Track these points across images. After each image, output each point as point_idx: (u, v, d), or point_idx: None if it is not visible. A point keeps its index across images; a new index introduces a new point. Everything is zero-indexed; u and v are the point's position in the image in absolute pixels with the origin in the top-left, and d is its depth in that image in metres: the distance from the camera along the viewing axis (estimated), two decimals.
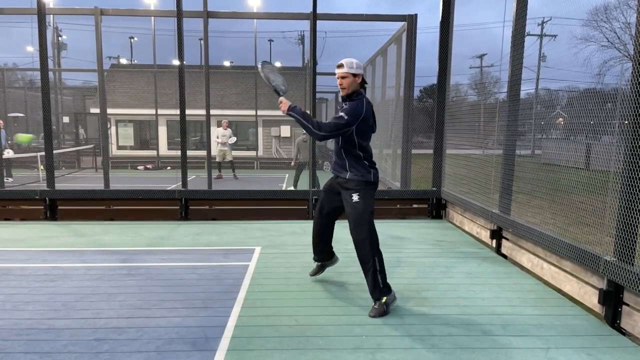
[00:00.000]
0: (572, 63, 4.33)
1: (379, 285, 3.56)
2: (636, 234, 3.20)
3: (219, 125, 15.64)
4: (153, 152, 19.07)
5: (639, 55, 3.13)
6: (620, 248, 3.31)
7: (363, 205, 3.61)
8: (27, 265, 4.75)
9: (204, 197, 7.21)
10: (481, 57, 8.20)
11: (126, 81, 21.58)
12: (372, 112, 3.67)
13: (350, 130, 3.55)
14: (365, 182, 3.65)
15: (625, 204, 3.26)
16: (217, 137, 14.31)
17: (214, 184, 8.43)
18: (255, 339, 3.14)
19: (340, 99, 3.75)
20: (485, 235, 5.70)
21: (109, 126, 14.88)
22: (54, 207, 6.99)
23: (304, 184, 11.18)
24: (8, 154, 12.31)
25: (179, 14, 7.01)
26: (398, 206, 7.38)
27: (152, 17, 16.86)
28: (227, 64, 23.74)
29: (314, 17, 7.15)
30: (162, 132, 20.13)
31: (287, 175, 16.11)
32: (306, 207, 7.18)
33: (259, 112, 19.58)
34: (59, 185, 7.49)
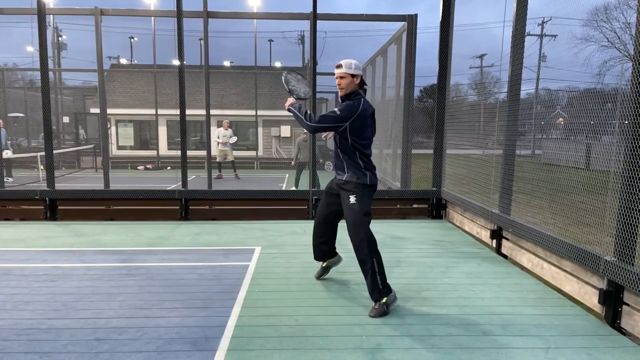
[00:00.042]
0: (572, 63, 4.34)
1: (378, 286, 3.56)
2: (636, 234, 3.20)
3: (219, 125, 15.65)
4: (153, 152, 19.07)
5: (639, 55, 3.13)
6: (621, 248, 3.31)
7: (359, 207, 3.62)
8: (27, 265, 4.75)
9: (204, 197, 7.21)
10: (481, 57, 8.21)
11: (126, 81, 21.59)
12: (370, 114, 3.67)
13: (343, 126, 3.57)
14: (362, 184, 3.66)
15: (625, 204, 3.26)
16: (218, 137, 14.31)
17: (214, 184, 8.43)
18: (255, 339, 3.14)
19: (339, 99, 3.77)
20: (485, 235, 5.70)
21: (109, 126, 14.89)
22: (54, 207, 6.99)
23: (305, 184, 11.18)
24: (6, 154, 12.31)
25: (179, 14, 7.01)
26: (398, 206, 7.38)
27: (152, 17, 16.86)
28: (227, 64, 23.75)
29: (314, 17, 7.15)
30: (162, 132, 20.13)
31: (287, 175, 16.12)
32: (306, 207, 7.18)
33: (259, 112, 19.58)
34: (59, 185, 7.49)
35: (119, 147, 20.58)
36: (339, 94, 3.67)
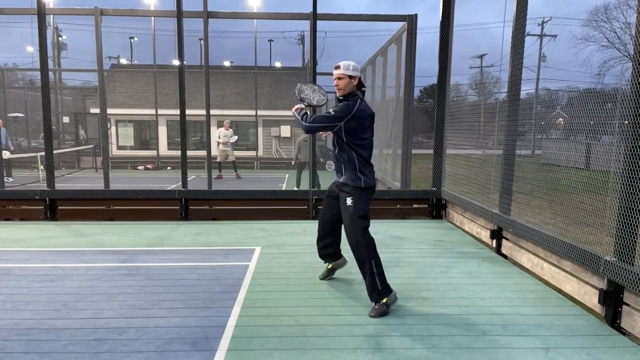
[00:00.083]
0: (572, 63, 4.33)
1: (377, 287, 3.57)
2: (636, 234, 3.20)
3: (219, 125, 15.65)
4: (153, 152, 19.08)
5: (639, 55, 3.13)
6: (621, 248, 3.31)
7: (353, 209, 3.64)
8: (27, 265, 4.75)
9: (204, 197, 7.22)
10: (481, 57, 8.21)
11: (126, 81, 21.59)
12: (368, 116, 3.67)
13: (337, 126, 3.59)
14: (358, 187, 3.67)
15: (625, 204, 3.26)
16: (219, 137, 14.30)
17: (214, 184, 8.43)
18: (255, 339, 3.14)
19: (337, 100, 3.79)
20: (485, 235, 5.70)
21: (109, 126, 14.89)
22: (54, 207, 6.99)
23: (305, 184, 11.19)
24: (5, 155, 12.29)
25: (179, 14, 7.01)
26: (398, 206, 7.38)
27: (152, 17, 16.87)
28: (227, 64, 23.75)
29: (314, 17, 7.15)
30: (162, 132, 20.13)
31: (287, 175, 16.12)
32: (306, 207, 7.18)
33: (259, 112, 19.59)
34: (59, 185, 7.49)
35: (119, 147, 20.59)
36: (337, 94, 3.69)
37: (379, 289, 3.56)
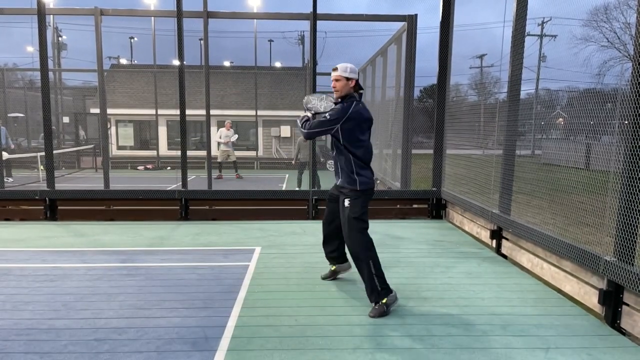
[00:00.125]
0: (572, 63, 4.34)
1: (376, 288, 3.57)
2: (636, 234, 3.20)
3: (220, 125, 15.64)
4: (153, 152, 19.07)
5: (639, 55, 3.13)
6: (620, 248, 3.31)
7: (349, 211, 3.67)
8: (27, 265, 4.75)
9: (204, 197, 7.22)
10: (481, 57, 8.22)
11: (126, 81, 21.59)
12: (365, 118, 3.68)
13: (335, 128, 3.61)
14: (355, 190, 3.69)
15: (625, 204, 3.26)
16: (220, 138, 14.28)
17: (214, 184, 8.43)
18: (255, 339, 3.15)
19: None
20: (485, 235, 5.70)
21: (109, 126, 14.88)
22: (54, 207, 6.99)
23: (306, 184, 11.19)
24: (4, 156, 12.28)
25: (179, 14, 7.01)
26: (398, 206, 7.38)
27: (152, 17, 16.85)
28: (227, 64, 23.74)
29: (314, 17, 7.15)
30: (162, 132, 20.13)
31: (287, 176, 16.12)
32: (306, 207, 7.18)
33: (259, 112, 19.59)
34: (59, 186, 7.49)
35: (119, 147, 20.58)
36: (334, 95, 3.74)
37: (378, 290, 3.57)
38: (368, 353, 2.96)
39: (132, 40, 26.06)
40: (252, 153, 19.62)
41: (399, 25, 8.74)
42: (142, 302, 3.77)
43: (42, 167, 12.32)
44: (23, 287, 4.08)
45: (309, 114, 3.86)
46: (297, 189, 11.00)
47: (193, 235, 6.05)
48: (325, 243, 4.24)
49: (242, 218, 7.10)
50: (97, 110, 17.23)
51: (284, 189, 12.67)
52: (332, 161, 3.92)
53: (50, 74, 14.47)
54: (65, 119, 20.67)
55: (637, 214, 3.17)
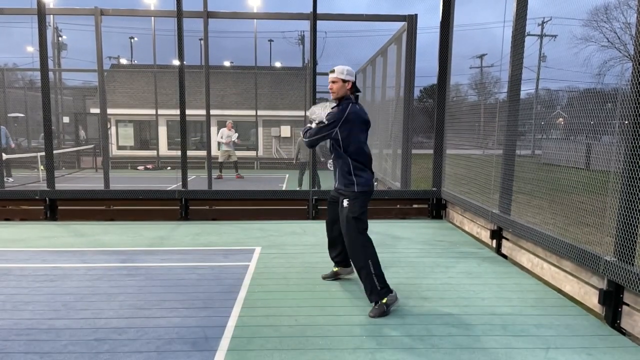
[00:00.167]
0: (572, 63, 4.34)
1: (376, 287, 3.57)
2: (636, 234, 3.20)
3: (220, 125, 15.63)
4: (153, 152, 19.06)
5: (639, 55, 3.13)
6: (621, 248, 3.31)
7: (347, 211, 3.69)
8: (27, 265, 4.75)
9: (204, 197, 7.22)
10: (481, 57, 8.21)
11: (126, 81, 21.60)
12: (362, 118, 3.72)
13: (334, 132, 3.65)
14: (353, 191, 3.71)
15: (626, 204, 3.26)
16: (222, 138, 14.27)
17: (214, 184, 8.43)
18: (255, 339, 3.14)
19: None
20: (485, 235, 5.70)
21: (109, 126, 14.88)
22: (54, 207, 6.99)
23: (306, 183, 11.19)
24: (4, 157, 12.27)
25: (179, 14, 7.01)
26: (398, 206, 7.38)
27: (152, 17, 16.85)
28: (227, 64, 23.74)
29: (314, 17, 7.15)
30: (162, 132, 20.13)
31: (287, 176, 16.11)
32: (306, 207, 7.18)
33: (259, 112, 19.58)
34: (59, 186, 7.49)
35: (119, 147, 20.58)
36: (331, 97, 3.79)
37: (377, 290, 3.57)
38: (368, 353, 2.96)
39: (132, 40, 26.08)
40: (252, 153, 19.61)
41: (399, 25, 8.74)
42: (142, 302, 3.77)
43: (42, 167, 12.32)
44: (23, 287, 4.08)
45: (313, 125, 3.89)
46: (297, 189, 10.99)
47: (193, 235, 6.05)
48: (329, 247, 4.29)
49: (242, 218, 7.10)
50: (97, 110, 17.24)
51: (284, 189, 12.67)
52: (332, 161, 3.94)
53: (50, 74, 14.45)
54: (66, 119, 20.67)
55: (637, 214, 3.17)
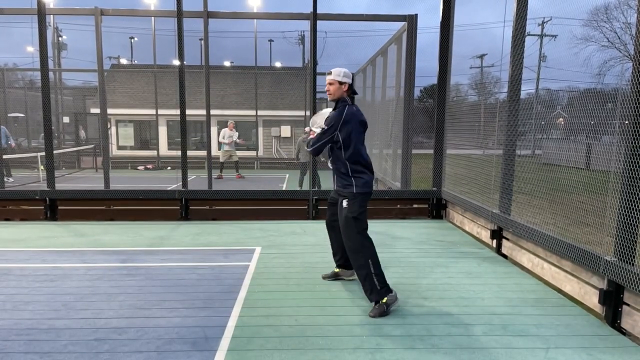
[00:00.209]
0: (573, 63, 4.33)
1: (376, 287, 3.58)
2: (636, 234, 3.20)
3: (220, 125, 15.62)
4: (153, 152, 19.07)
5: (639, 55, 3.13)
6: (621, 248, 3.31)
7: (347, 212, 3.71)
8: (27, 265, 4.75)
9: (204, 197, 7.21)
10: (481, 57, 8.21)
11: (126, 81, 21.59)
12: (359, 118, 3.75)
13: (335, 135, 3.69)
14: (352, 193, 3.72)
15: (626, 204, 3.26)
16: (224, 138, 14.26)
17: (214, 184, 8.43)
18: (255, 339, 3.14)
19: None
20: (485, 235, 5.70)
21: (109, 126, 14.88)
22: (54, 207, 6.99)
23: (306, 183, 11.18)
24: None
25: (179, 14, 7.01)
26: (398, 206, 7.38)
27: (152, 17, 16.85)
28: (227, 64, 23.75)
29: (314, 17, 7.15)
30: (162, 132, 20.13)
31: (287, 176, 16.11)
32: (306, 207, 7.18)
33: (259, 112, 19.58)
34: (59, 186, 7.49)
35: (119, 147, 20.58)
36: (328, 98, 3.82)
37: (377, 289, 3.57)
38: (368, 353, 2.96)
39: (132, 40, 26.08)
40: (252, 153, 19.62)
41: (399, 25, 8.74)
42: (142, 302, 3.77)
43: (42, 167, 12.32)
44: (23, 287, 4.08)
45: (312, 135, 3.92)
46: (297, 189, 10.98)
47: (193, 235, 6.05)
48: (335, 254, 4.32)
49: (242, 218, 7.10)
50: (97, 110, 17.24)
51: (284, 189, 12.67)
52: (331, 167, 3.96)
53: (51, 74, 14.45)
54: (66, 119, 20.67)
55: (637, 214, 3.17)
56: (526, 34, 4.89)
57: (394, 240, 5.90)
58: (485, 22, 6.65)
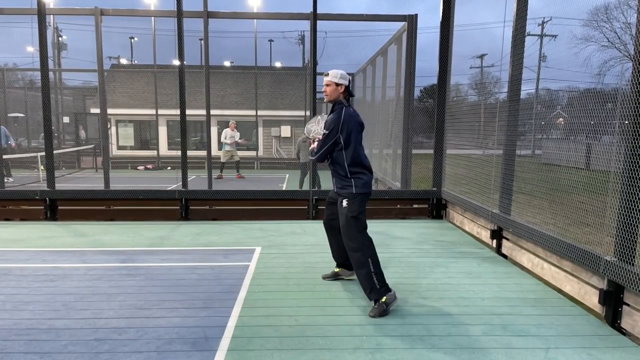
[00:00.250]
0: (572, 63, 4.33)
1: (375, 286, 3.58)
2: (636, 234, 3.20)
3: (221, 125, 15.61)
4: (153, 152, 19.07)
5: (639, 55, 3.13)
6: (621, 248, 3.31)
7: (347, 211, 3.71)
8: (27, 265, 4.75)
9: (204, 197, 7.21)
10: (481, 57, 8.20)
11: (126, 81, 21.59)
12: (357, 119, 3.77)
13: (337, 137, 3.70)
14: (352, 193, 3.73)
15: (626, 204, 3.26)
16: (226, 138, 14.26)
17: (214, 184, 8.43)
18: (255, 339, 3.14)
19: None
20: (485, 235, 5.70)
21: (109, 126, 14.87)
22: (54, 207, 6.99)
23: (306, 183, 11.18)
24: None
25: (179, 14, 7.01)
26: (398, 206, 7.38)
27: (152, 17, 16.85)
28: (227, 64, 23.75)
29: (314, 17, 7.15)
30: (162, 132, 20.13)
31: (287, 176, 16.11)
32: (306, 207, 7.18)
33: (259, 112, 19.58)
34: (59, 186, 7.49)
35: (119, 147, 20.58)
36: (325, 99, 3.83)
37: (377, 288, 3.58)
38: (368, 353, 2.96)
39: (132, 40, 26.08)
40: (252, 153, 19.62)
41: (399, 25, 8.74)
42: (142, 302, 3.77)
43: (42, 167, 12.32)
44: (23, 287, 4.08)
45: (315, 143, 3.93)
46: (297, 189, 10.98)
47: (193, 235, 6.05)
48: (333, 253, 4.31)
49: (242, 218, 7.10)
50: (97, 110, 17.23)
51: (284, 189, 12.67)
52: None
53: (51, 74, 14.45)
54: (66, 119, 20.66)
55: (637, 214, 3.17)
56: (526, 34, 4.89)
57: (394, 240, 5.90)
58: (485, 22, 6.66)
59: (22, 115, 19.36)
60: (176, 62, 7.47)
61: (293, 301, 3.84)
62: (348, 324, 3.38)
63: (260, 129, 20.48)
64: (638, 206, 3.15)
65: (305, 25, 10.24)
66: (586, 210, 3.76)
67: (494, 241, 5.43)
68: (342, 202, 3.76)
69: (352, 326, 3.35)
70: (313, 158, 3.85)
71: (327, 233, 4.25)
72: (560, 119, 4.89)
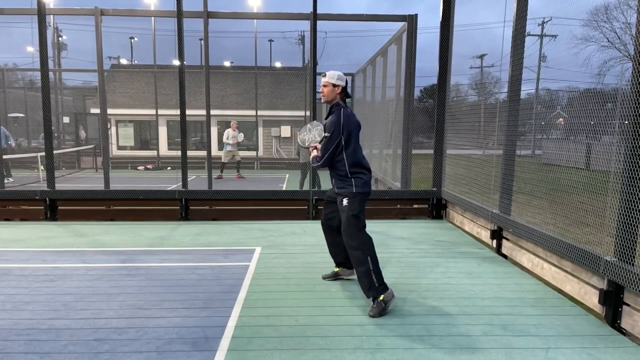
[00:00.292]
0: (572, 63, 4.33)
1: (374, 284, 3.59)
2: (636, 234, 3.20)
3: (221, 125, 15.60)
4: (153, 153, 19.06)
5: (639, 55, 3.13)
6: (621, 248, 3.31)
7: (347, 210, 3.73)
8: (27, 265, 4.75)
9: (204, 197, 7.21)
10: (481, 57, 8.20)
11: (126, 81, 21.59)
12: (354, 120, 3.79)
13: (339, 138, 3.71)
14: (351, 193, 3.74)
15: (626, 204, 3.26)
16: (228, 139, 14.25)
17: (214, 184, 8.43)
18: (255, 339, 3.14)
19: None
20: (485, 235, 5.70)
21: (109, 126, 14.87)
22: (54, 207, 6.99)
23: (306, 183, 11.18)
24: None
25: (179, 14, 7.01)
26: (398, 206, 7.38)
27: (152, 17, 16.84)
28: (227, 64, 23.74)
29: (314, 17, 7.15)
30: (163, 132, 20.12)
31: (287, 176, 16.11)
32: (306, 207, 7.18)
33: (259, 112, 19.58)
34: (59, 186, 7.49)
35: (119, 148, 20.58)
36: (322, 100, 3.86)
37: (375, 286, 3.59)
38: (368, 353, 2.96)
39: (132, 40, 26.06)
40: (252, 153, 19.61)
41: (399, 25, 8.73)
42: (142, 302, 3.77)
43: (42, 167, 12.31)
44: (23, 287, 4.08)
45: (313, 151, 3.92)
46: (297, 189, 10.98)
47: (193, 236, 6.05)
48: (329, 248, 4.29)
49: (242, 218, 7.10)
50: (97, 110, 17.22)
51: (284, 189, 12.67)
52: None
53: (51, 74, 14.45)
54: (66, 119, 20.66)
55: (637, 214, 3.17)
56: (526, 34, 4.89)
57: (394, 240, 5.90)
58: (485, 22, 6.65)
59: (22, 115, 19.36)
60: (176, 62, 7.47)
61: (293, 301, 3.84)
62: (348, 324, 3.38)
63: (260, 129, 20.48)
64: (638, 206, 3.15)
65: (305, 25, 10.23)
66: (586, 211, 3.76)
67: (494, 241, 5.43)
68: (342, 200, 3.77)
69: (352, 326, 3.35)
70: (318, 164, 3.83)
71: (324, 233, 4.25)
72: (560, 119, 4.90)
